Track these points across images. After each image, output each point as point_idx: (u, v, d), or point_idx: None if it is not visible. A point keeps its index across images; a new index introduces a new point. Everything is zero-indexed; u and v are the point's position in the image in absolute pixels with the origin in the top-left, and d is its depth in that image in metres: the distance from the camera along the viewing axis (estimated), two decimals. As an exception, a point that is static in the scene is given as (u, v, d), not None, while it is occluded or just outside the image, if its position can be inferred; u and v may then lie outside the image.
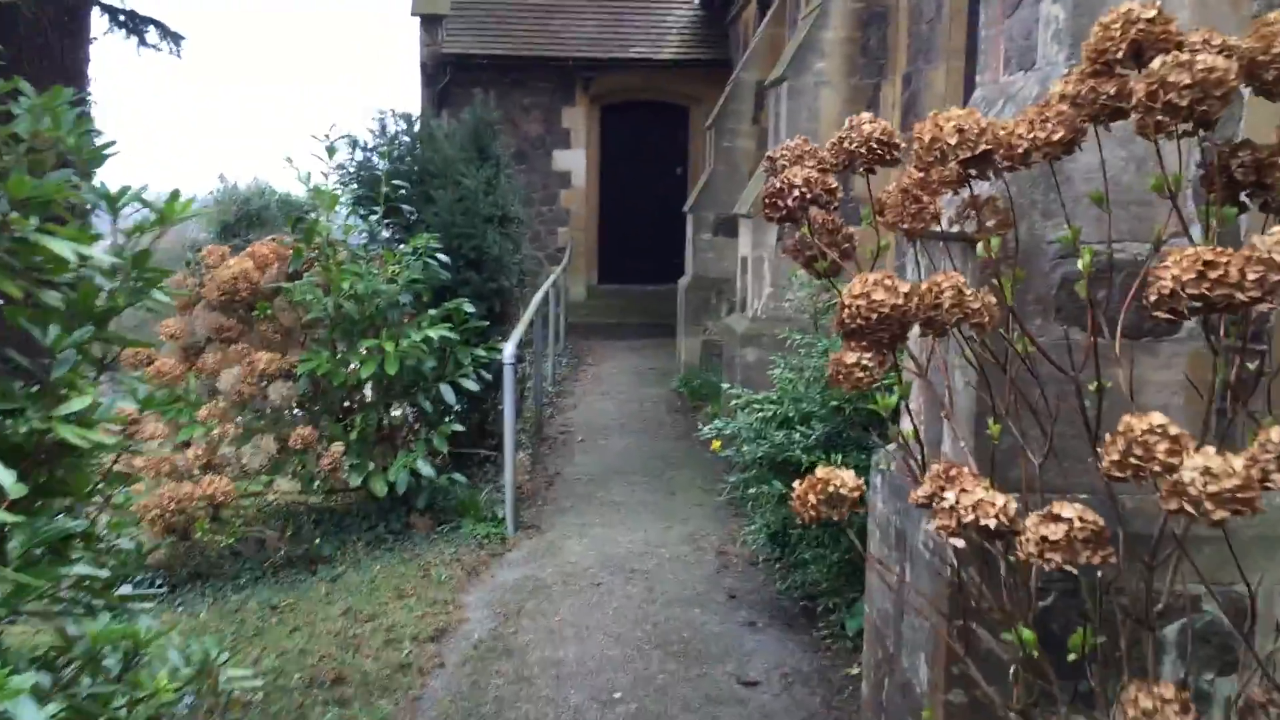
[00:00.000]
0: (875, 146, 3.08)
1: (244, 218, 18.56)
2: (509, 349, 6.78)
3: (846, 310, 2.69)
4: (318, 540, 6.75)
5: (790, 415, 5.25)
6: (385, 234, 8.04)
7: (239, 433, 6.68)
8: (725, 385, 6.30)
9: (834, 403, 5.01)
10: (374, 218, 6.99)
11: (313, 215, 6.86)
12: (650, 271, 17.99)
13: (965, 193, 2.81)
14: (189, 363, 7.08)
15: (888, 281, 2.69)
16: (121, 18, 17.98)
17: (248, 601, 6.15)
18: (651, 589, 5.86)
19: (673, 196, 18.02)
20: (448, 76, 16.90)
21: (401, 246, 6.93)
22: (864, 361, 2.85)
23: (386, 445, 7.05)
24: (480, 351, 7.13)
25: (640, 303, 17.52)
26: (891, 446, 4.10)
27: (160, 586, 6.56)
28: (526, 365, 9.67)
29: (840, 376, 2.89)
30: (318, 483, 6.82)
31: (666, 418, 10.71)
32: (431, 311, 6.86)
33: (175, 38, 18.47)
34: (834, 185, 3.06)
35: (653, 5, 17.73)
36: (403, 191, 7.87)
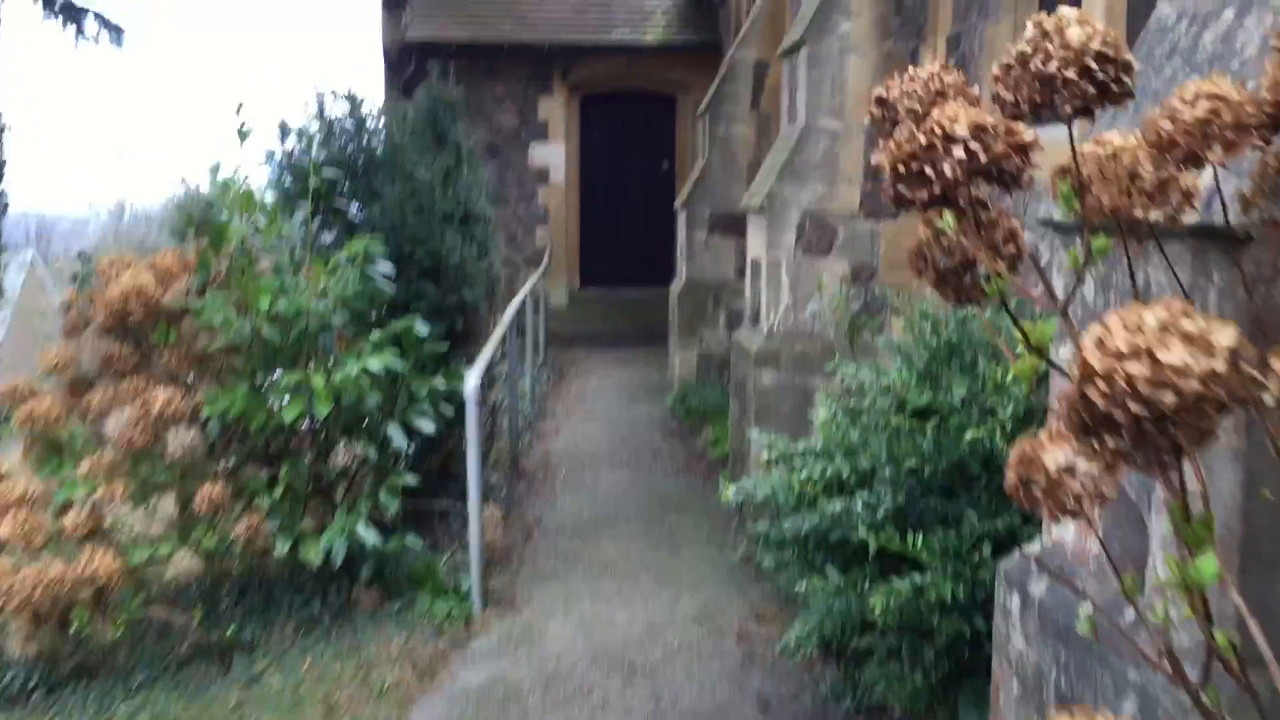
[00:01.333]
0: (1095, 67, 1.68)
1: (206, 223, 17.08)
2: (472, 379, 5.41)
3: (1098, 386, 1.32)
4: (235, 624, 5.35)
5: (844, 475, 3.90)
6: (328, 238, 6.67)
7: (132, 491, 5.30)
8: (754, 433, 4.91)
9: (908, 463, 3.65)
10: (299, 217, 5.60)
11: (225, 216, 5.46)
12: (637, 275, 16.61)
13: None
14: (75, 401, 5.69)
15: (1191, 324, 1.32)
16: (57, 6, 16.59)
17: (138, 715, 4.77)
18: (659, 698, 4.49)
19: (660, 193, 16.65)
20: (413, 65, 15.47)
21: (339, 254, 5.54)
22: (1083, 468, 1.50)
23: (323, 501, 5.68)
24: (438, 382, 5.76)
25: (627, 309, 16.14)
26: (1033, 550, 2.74)
27: (31, 688, 5.17)
28: (499, 391, 8.29)
29: (1037, 491, 1.52)
30: (234, 551, 5.43)
31: (661, 443, 9.35)
32: (375, 334, 5.48)
33: (115, 30, 17.10)
34: (1028, 138, 1.69)
35: (634, -14, 16.35)
36: (344, 186, 6.49)
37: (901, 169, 1.60)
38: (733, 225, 11.09)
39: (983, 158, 1.57)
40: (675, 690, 4.55)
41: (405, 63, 15.49)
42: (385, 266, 5.46)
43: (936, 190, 1.58)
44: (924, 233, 1.88)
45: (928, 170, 1.58)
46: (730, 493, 4.30)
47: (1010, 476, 1.62)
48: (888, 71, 6.51)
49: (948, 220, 1.75)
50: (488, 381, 7.28)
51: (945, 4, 6.30)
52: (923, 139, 1.58)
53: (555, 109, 16.05)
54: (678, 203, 11.74)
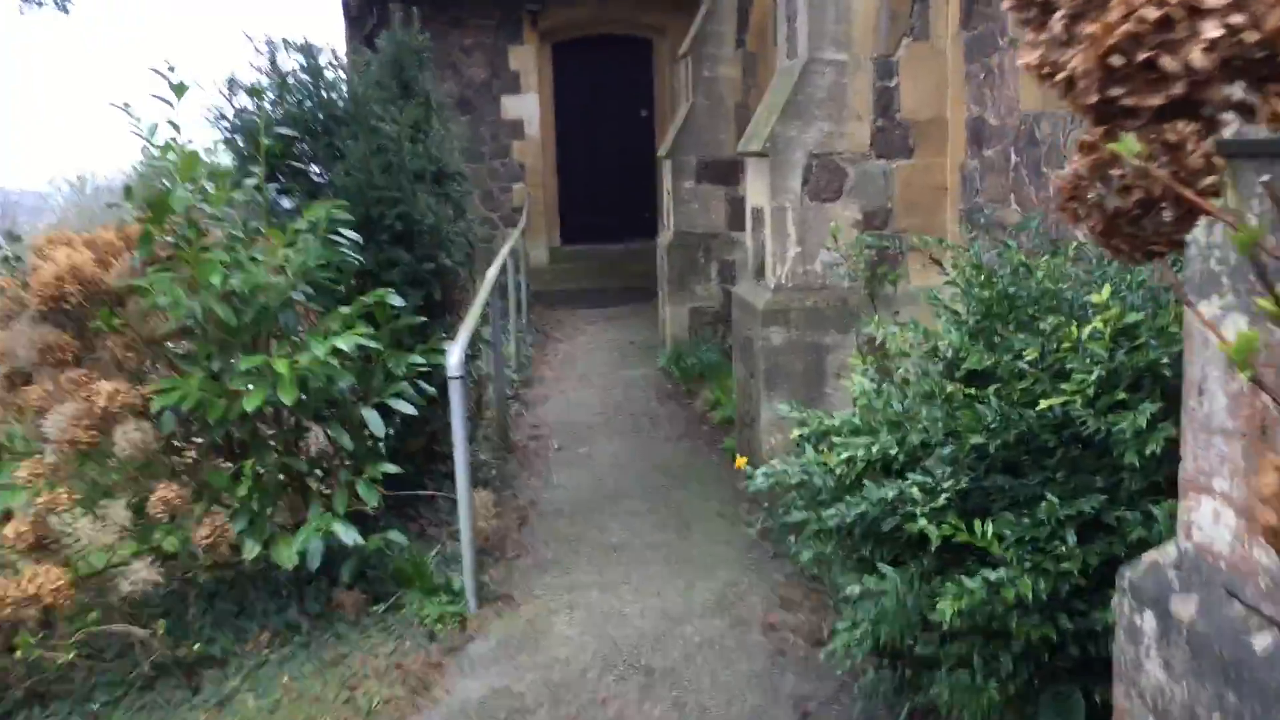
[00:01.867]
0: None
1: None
2: (455, 354, 4.84)
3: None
4: (203, 638, 4.81)
5: (892, 452, 3.36)
6: (290, 205, 6.06)
7: (80, 495, 4.74)
8: (782, 406, 4.34)
9: (974, 436, 3.11)
10: (251, 182, 4.98)
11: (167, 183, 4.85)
12: (619, 228, 16.01)
13: None
14: (11, 397, 5.11)
15: None
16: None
17: (95, 747, 4.25)
18: (683, 707, 3.98)
19: (640, 142, 16.02)
20: (374, 17, 14.71)
21: (298, 221, 4.93)
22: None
23: (296, 496, 5.13)
24: (417, 358, 5.19)
25: (611, 264, 15.56)
26: (1168, 556, 2.22)
27: (-21, 719, 4.63)
28: (483, 361, 7.72)
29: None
30: (198, 556, 4.88)
31: (659, 407, 8.81)
32: (344, 309, 4.89)
33: (60, -10, 16.30)
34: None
35: (604, -75, 15.57)
36: (301, 145, 5.88)
37: (1116, 63, 1.04)
38: (722, 172, 10.52)
39: (1250, 37, 1.01)
40: (700, 698, 4.04)
41: (366, 15, 14.73)
42: (350, 234, 4.85)
43: (1178, 91, 1.03)
44: (1080, 164, 1.34)
45: (1165, 61, 1.02)
46: (758, 479, 3.75)
47: (1269, 517, 1.09)
48: (898, -4, 5.93)
49: (1129, 143, 1.20)
50: (471, 352, 6.72)
51: (959, -85, 5.71)
52: (1153, 12, 1.02)
53: (527, 58, 15.36)
54: (661, 151, 11.13)
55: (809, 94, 5.95)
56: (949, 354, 3.55)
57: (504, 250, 9.64)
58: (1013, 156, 5.17)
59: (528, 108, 15.41)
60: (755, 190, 6.44)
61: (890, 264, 5.90)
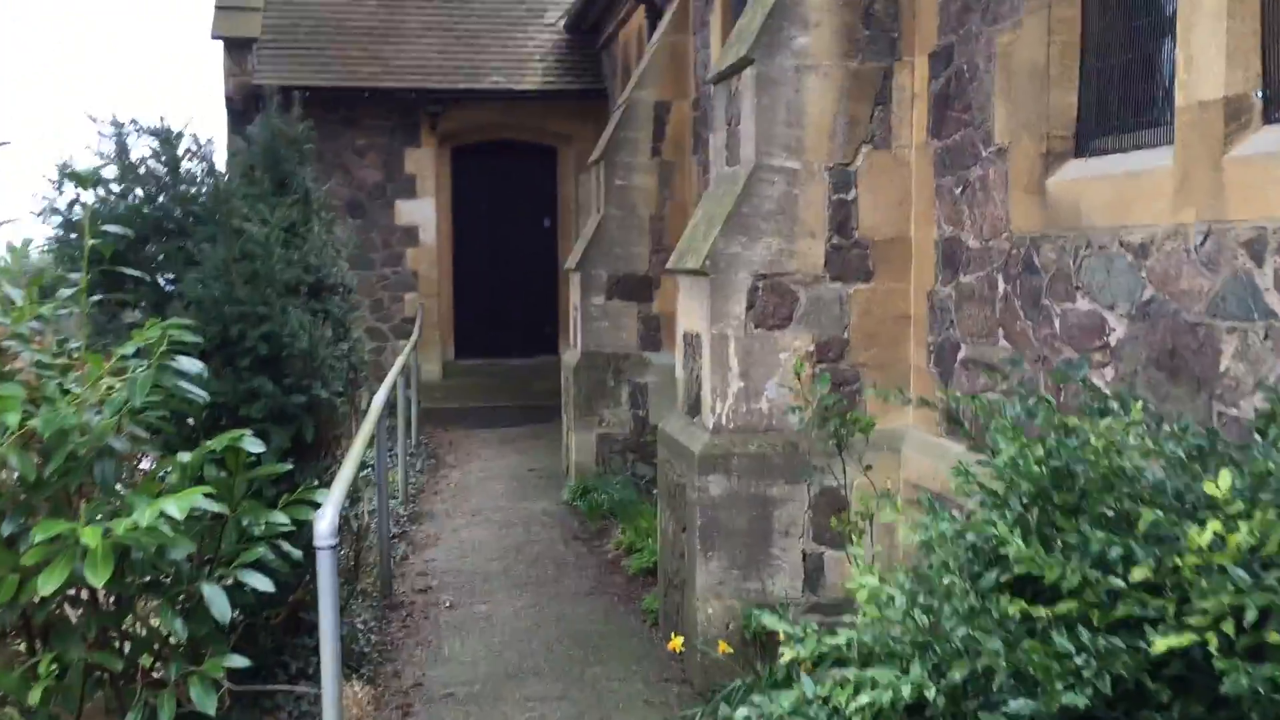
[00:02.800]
0: None
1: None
2: (326, 518, 3.79)
3: None
4: None
5: (929, 694, 2.42)
6: (135, 317, 4.99)
7: None
8: (766, 617, 3.34)
9: (1065, 695, 2.19)
10: (67, 291, 3.92)
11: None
12: (519, 343, 15.08)
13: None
14: None
15: None
16: None
17: None
18: None
19: (542, 252, 15.22)
20: (260, 111, 13.74)
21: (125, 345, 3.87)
22: None
23: (112, 696, 3.97)
24: (279, 516, 4.12)
25: (509, 381, 14.58)
26: None
27: None
28: (365, 500, 6.63)
29: None
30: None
31: (565, 551, 7.78)
32: (184, 457, 3.82)
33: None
34: None
35: (508, 29, 14.91)
36: (150, 248, 4.86)
37: None
38: (634, 288, 9.71)
39: None
40: None
41: (252, 110, 13.74)
42: (189, 364, 3.80)
43: None
44: None
45: None
46: (740, 721, 2.75)
47: None
48: (857, 94, 5.21)
49: None
50: (351, 497, 5.65)
51: (928, 13, 5.02)
52: None
53: (424, 161, 14.53)
54: (569, 263, 10.29)
55: (755, 205, 5.14)
56: (989, 550, 2.66)
57: (394, 370, 8.61)
58: (1000, 285, 4.40)
59: (423, 213, 14.52)
60: (689, 313, 5.58)
61: (849, 402, 5.05)
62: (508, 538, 8.17)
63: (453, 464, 11.12)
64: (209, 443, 3.88)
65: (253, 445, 4.01)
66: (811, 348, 5.22)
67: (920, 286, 5.17)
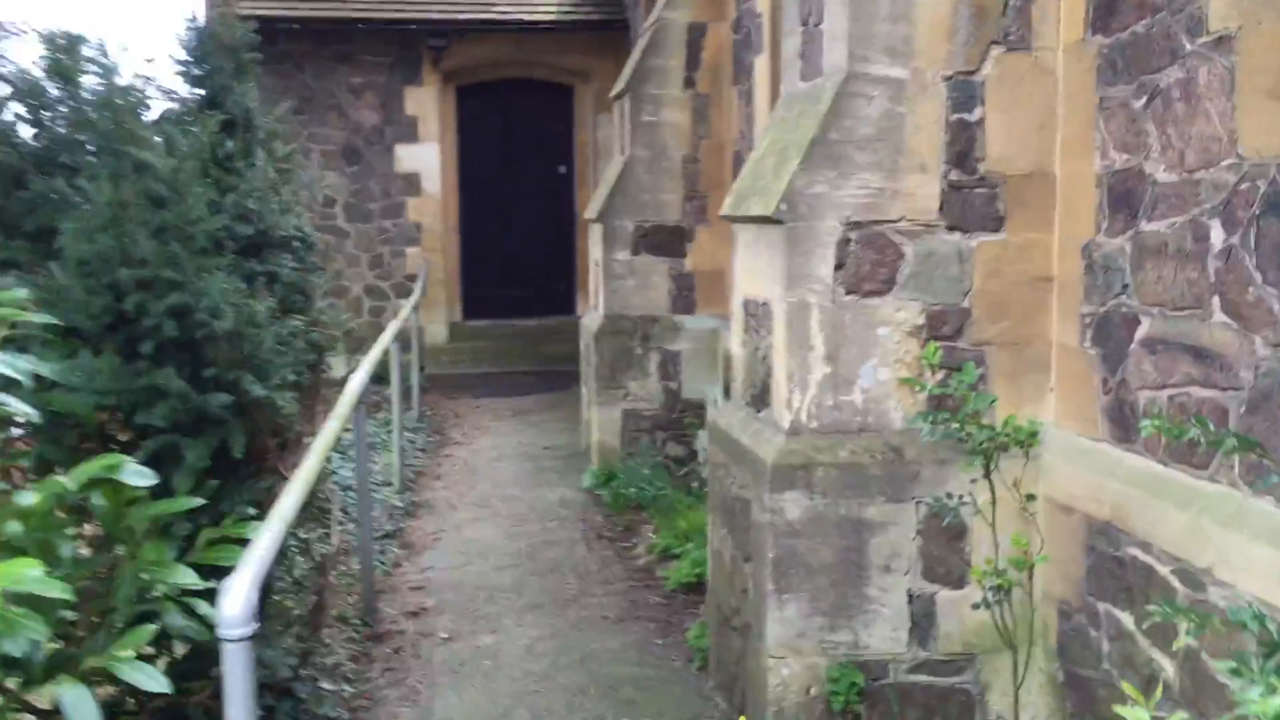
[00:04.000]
0: None
1: None
2: (234, 599, 2.51)
3: None
4: None
5: None
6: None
7: None
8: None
9: None
10: None
11: None
12: (532, 302, 13.76)
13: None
14: None
15: None
16: None
17: None
18: None
19: (558, 202, 13.86)
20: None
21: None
22: None
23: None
24: (184, 575, 2.84)
25: (522, 343, 13.28)
26: None
27: None
28: (334, 516, 5.37)
29: None
30: None
31: (588, 556, 6.52)
32: (27, 498, 2.56)
33: None
34: None
35: (520, -46, 13.48)
36: (32, 189, 3.56)
37: None
38: (665, 241, 8.38)
39: None
40: None
41: (235, 44, 12.38)
42: (12, 362, 2.51)
43: None
44: None
45: None
46: None
47: None
48: (985, -17, 3.84)
49: None
50: (262, 590, 4.40)
51: None
52: None
53: (427, 102, 13.12)
54: (589, 213, 8.95)
55: (847, 129, 3.81)
56: None
57: (383, 339, 7.34)
58: (1217, 234, 3.07)
59: (426, 159, 13.15)
60: (753, 274, 4.25)
61: (963, 393, 3.74)
62: (519, 537, 6.92)
63: (459, 440, 9.86)
64: (61, 478, 2.59)
65: (136, 477, 2.72)
66: (920, 320, 3.90)
67: (1071, 237, 3.83)
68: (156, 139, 3.49)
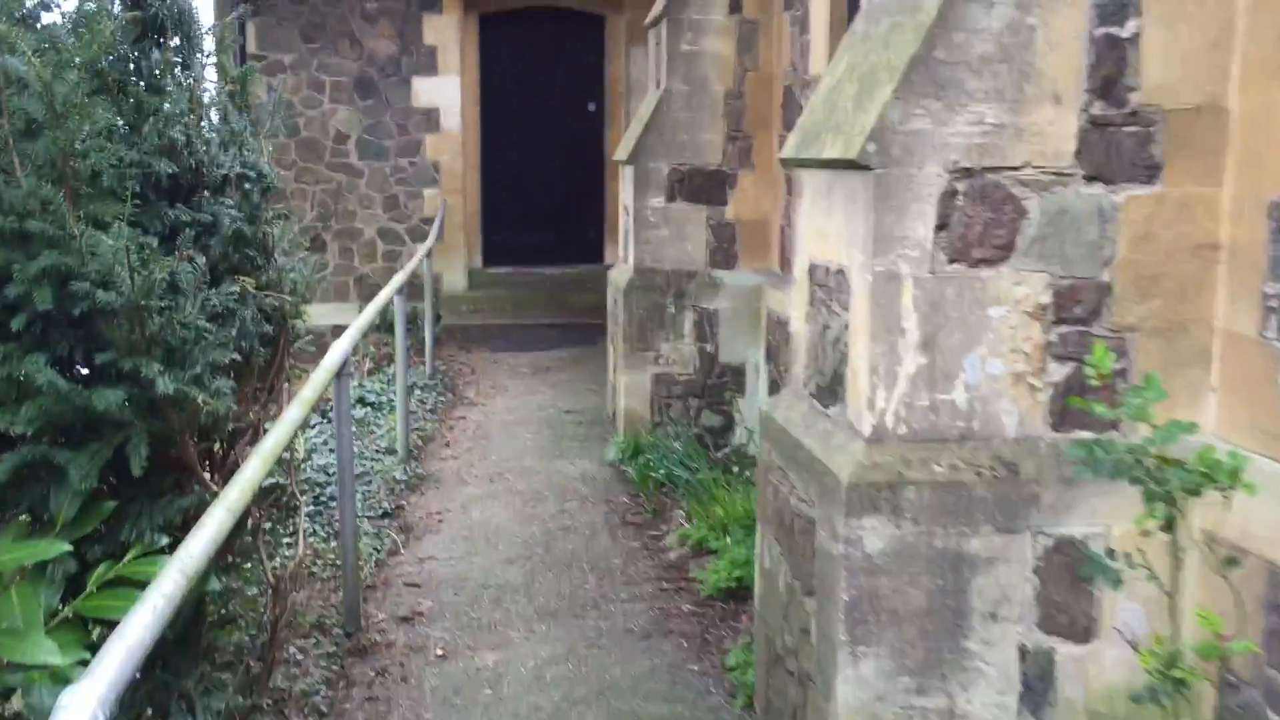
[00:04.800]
0: None
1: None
2: None
3: None
4: None
5: None
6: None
7: None
8: None
9: None
10: None
11: None
12: (557, 248, 12.89)
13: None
14: None
15: None
16: None
17: None
18: None
19: (586, 142, 12.93)
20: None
21: None
22: None
23: None
24: (43, 651, 2.02)
25: (545, 293, 12.41)
26: None
27: None
28: (301, 514, 4.56)
29: None
30: None
31: (612, 548, 5.70)
32: None
33: None
34: None
35: None
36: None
37: None
38: (704, 186, 7.47)
39: None
40: None
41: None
42: None
43: None
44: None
45: None
46: None
47: None
48: None
49: None
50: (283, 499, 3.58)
51: None
52: None
53: (446, 31, 12.17)
54: (620, 154, 8.02)
55: (960, 46, 2.89)
56: None
57: (387, 290, 6.51)
58: None
59: (446, 94, 12.22)
60: (823, 233, 3.35)
61: (1104, 389, 2.85)
62: (533, 520, 6.10)
63: (473, 400, 9.04)
64: None
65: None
66: (1045, 298, 3.00)
67: (1252, 192, 2.90)
68: (44, 45, 2.61)
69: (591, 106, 12.91)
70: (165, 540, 2.54)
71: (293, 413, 3.39)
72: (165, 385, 2.44)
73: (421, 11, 12.06)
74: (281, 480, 3.67)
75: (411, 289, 9.42)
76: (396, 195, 12.24)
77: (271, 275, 3.39)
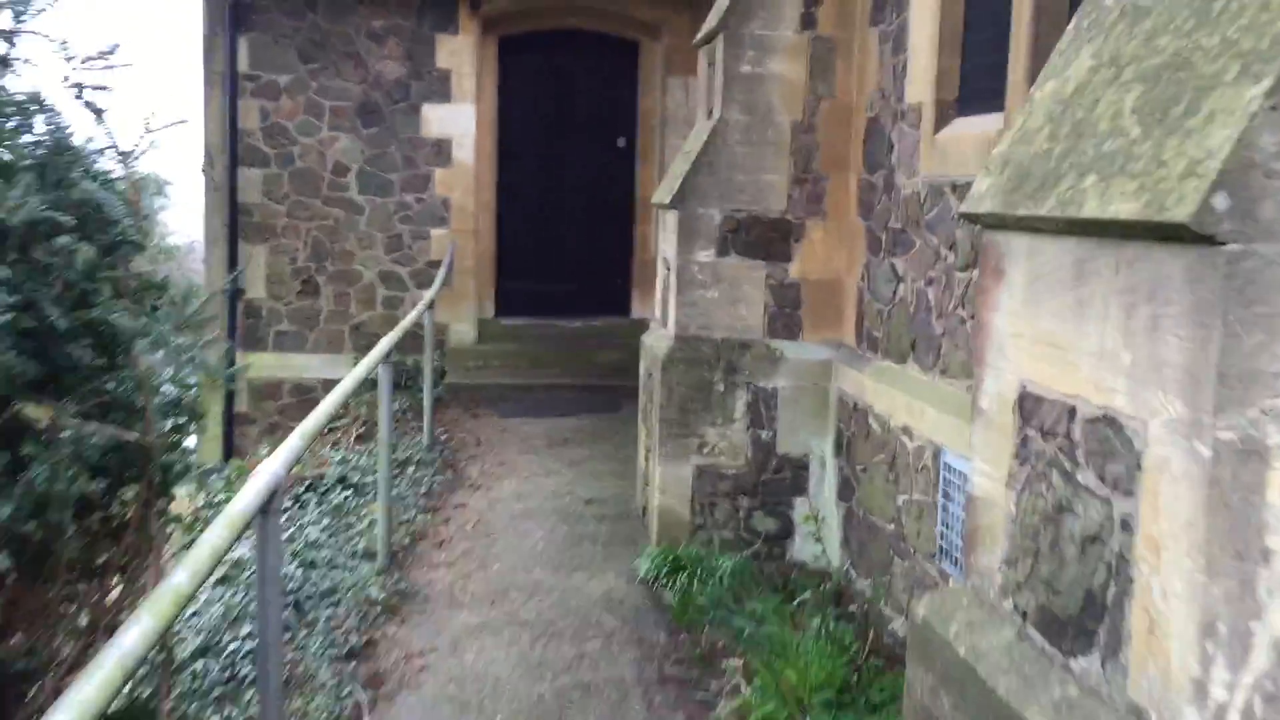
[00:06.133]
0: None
1: None
2: None
3: None
4: None
5: None
6: None
7: None
8: None
9: None
10: None
11: None
12: (579, 299, 11.49)
13: None
14: None
15: None
16: None
17: None
18: None
19: (615, 181, 11.55)
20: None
21: None
22: None
23: None
24: None
25: (564, 348, 10.99)
26: None
27: None
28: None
29: None
30: None
31: (648, 719, 4.26)
32: None
33: None
34: None
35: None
36: None
37: None
38: (765, 238, 6.09)
39: None
40: None
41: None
42: None
43: None
44: None
45: None
46: None
47: None
48: None
49: None
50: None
51: None
52: None
53: (462, 54, 10.83)
54: (661, 197, 6.62)
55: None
56: None
57: (370, 358, 5.12)
58: None
59: (460, 123, 10.87)
60: (1059, 341, 1.92)
61: None
62: (544, 672, 4.66)
63: (475, 481, 7.62)
64: None
65: None
66: None
67: None
68: None
69: (621, 142, 11.56)
70: None
71: (143, 621, 1.97)
72: None
73: (434, 31, 10.75)
74: None
75: (413, 339, 8.07)
76: (400, 235, 10.88)
77: (120, 390, 1.99)
